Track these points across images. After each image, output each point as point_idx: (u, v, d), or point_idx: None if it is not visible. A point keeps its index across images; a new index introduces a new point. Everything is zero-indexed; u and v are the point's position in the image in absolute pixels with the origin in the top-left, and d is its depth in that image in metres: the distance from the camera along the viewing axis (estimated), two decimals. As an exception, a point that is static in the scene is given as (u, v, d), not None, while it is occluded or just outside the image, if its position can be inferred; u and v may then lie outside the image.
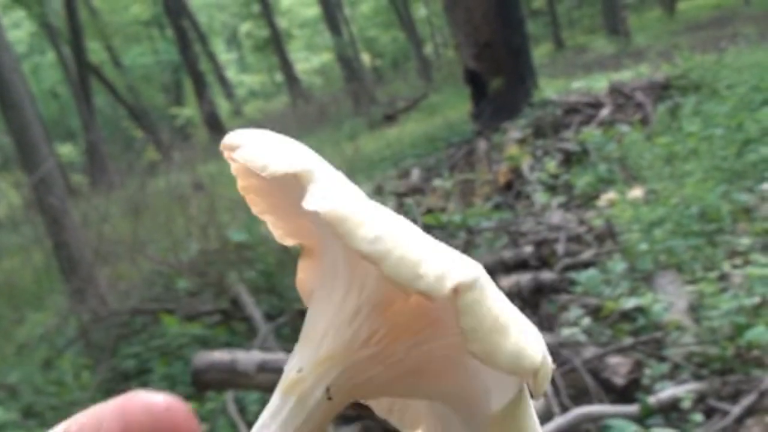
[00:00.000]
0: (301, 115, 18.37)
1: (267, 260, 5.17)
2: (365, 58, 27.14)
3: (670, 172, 5.68)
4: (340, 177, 0.38)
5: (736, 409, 2.79)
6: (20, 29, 23.87)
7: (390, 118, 14.79)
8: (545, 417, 2.95)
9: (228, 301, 4.83)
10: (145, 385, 4.20)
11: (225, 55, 32.23)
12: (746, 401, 2.81)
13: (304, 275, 0.46)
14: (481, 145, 8.30)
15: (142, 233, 6.55)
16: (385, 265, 0.32)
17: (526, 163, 7.11)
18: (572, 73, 12.91)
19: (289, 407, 0.36)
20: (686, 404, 2.86)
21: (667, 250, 4.21)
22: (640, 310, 3.65)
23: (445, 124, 11.08)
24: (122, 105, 23.01)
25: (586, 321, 3.70)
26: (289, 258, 5.00)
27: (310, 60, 29.80)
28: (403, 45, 28.35)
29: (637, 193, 5.47)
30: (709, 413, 2.90)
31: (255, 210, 0.45)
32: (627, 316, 3.69)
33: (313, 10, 28.20)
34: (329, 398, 0.36)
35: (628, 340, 3.39)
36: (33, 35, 24.01)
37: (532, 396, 0.36)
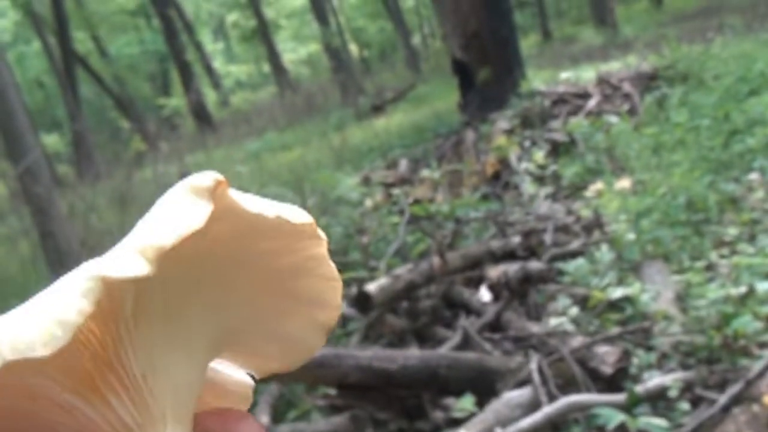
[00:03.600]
0: (289, 106, 18.32)
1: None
2: (353, 48, 27.08)
3: (658, 163, 5.70)
4: None
5: (722, 398, 2.80)
6: (5, 18, 23.69)
7: (378, 109, 14.76)
8: (533, 406, 2.96)
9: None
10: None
11: (212, 45, 32.08)
12: (733, 390, 2.82)
13: None
14: (469, 135, 8.30)
15: (129, 223, 6.52)
16: None
17: (513, 154, 7.12)
18: (560, 64, 12.92)
19: None
20: (673, 393, 2.88)
21: (654, 240, 4.22)
22: (628, 299, 3.66)
23: (432, 115, 11.08)
24: (108, 95, 22.89)
25: (574, 311, 3.71)
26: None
27: (298, 50, 29.71)
28: (391, 35, 28.29)
29: (624, 183, 5.48)
30: (696, 402, 2.92)
31: None
32: (615, 305, 3.70)
33: (301, 1, 28.10)
34: None
35: (615, 330, 3.41)
36: (18, 24, 23.82)
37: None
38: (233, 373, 0.45)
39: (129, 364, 0.37)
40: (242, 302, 0.42)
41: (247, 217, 0.37)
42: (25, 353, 0.29)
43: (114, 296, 0.34)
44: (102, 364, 0.36)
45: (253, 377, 0.46)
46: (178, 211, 0.35)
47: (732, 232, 4.23)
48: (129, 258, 0.33)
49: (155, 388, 0.37)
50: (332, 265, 0.42)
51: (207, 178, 0.35)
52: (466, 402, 3.09)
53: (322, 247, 0.41)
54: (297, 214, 0.38)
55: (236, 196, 0.37)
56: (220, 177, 0.35)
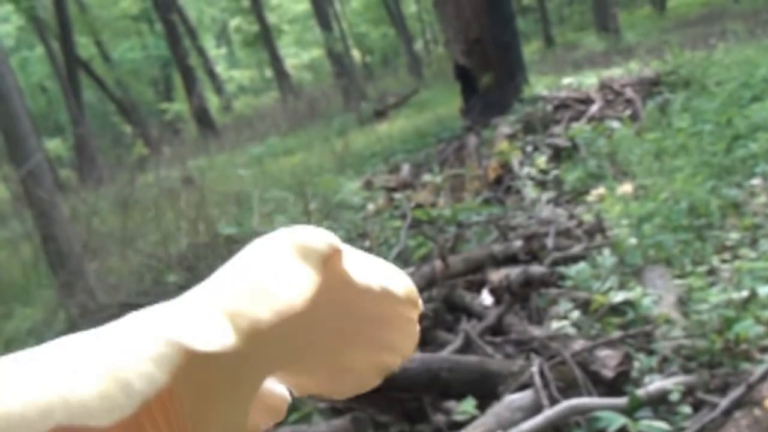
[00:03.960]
0: (291, 111, 18.33)
1: (257, 254, 5.15)
2: (355, 53, 27.10)
3: (660, 168, 5.70)
4: None
5: (724, 402, 2.80)
6: (8, 23, 23.74)
7: (380, 114, 14.77)
8: (534, 409, 2.96)
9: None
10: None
11: (214, 50, 32.11)
12: (734, 394, 2.82)
13: None
14: (471, 140, 8.31)
15: (132, 227, 6.53)
16: None
17: (515, 159, 7.12)
18: (562, 69, 12.92)
19: None
20: (675, 397, 2.87)
21: (656, 244, 4.22)
22: (630, 303, 3.65)
23: (435, 120, 11.08)
24: (111, 100, 22.93)
25: (576, 314, 3.71)
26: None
27: (300, 55, 29.74)
28: (394, 41, 28.33)
29: (626, 188, 5.48)
30: (698, 406, 2.91)
31: None
32: (616, 309, 3.70)
33: (303, 6, 28.14)
34: None
35: (617, 334, 3.40)
36: (21, 29, 23.87)
37: None
38: (272, 385, 0.44)
39: (181, 416, 0.33)
40: (317, 342, 0.40)
41: (353, 289, 0.33)
42: (82, 419, 0.24)
43: (189, 364, 0.28)
44: (157, 412, 0.33)
45: (290, 392, 0.45)
46: (281, 278, 0.29)
47: (734, 236, 4.23)
48: (215, 325, 0.27)
49: None
50: (417, 326, 0.41)
51: (321, 241, 0.31)
52: (467, 405, 3.08)
53: (415, 313, 0.40)
54: (402, 285, 0.36)
55: (348, 265, 0.32)
56: (336, 243, 0.31)
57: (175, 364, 0.26)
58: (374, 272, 0.34)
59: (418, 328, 0.42)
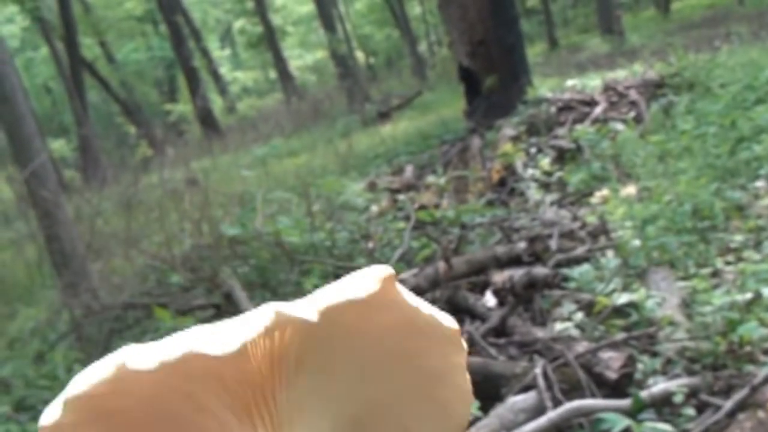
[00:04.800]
0: (295, 113, 18.33)
1: (260, 255, 5.16)
2: (359, 55, 27.12)
3: (664, 170, 5.69)
4: None
5: (728, 404, 2.80)
6: (13, 24, 23.77)
7: (384, 116, 14.77)
8: (538, 411, 2.96)
9: (221, 295, 4.82)
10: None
11: (219, 52, 32.13)
12: (738, 396, 2.81)
13: None
14: (475, 142, 8.31)
15: (135, 228, 6.54)
16: None
17: (519, 161, 7.12)
18: (566, 72, 12.92)
19: None
20: (678, 399, 2.87)
21: (660, 246, 4.22)
22: (633, 305, 3.65)
23: (439, 122, 11.08)
24: (115, 101, 22.95)
25: (579, 316, 3.70)
26: (282, 253, 4.99)
27: (304, 57, 29.74)
28: (398, 43, 28.34)
29: (630, 190, 5.48)
30: (701, 408, 2.91)
31: None
32: (620, 311, 3.69)
33: (308, 7, 28.15)
34: None
35: (620, 335, 3.40)
36: (26, 30, 23.91)
37: None
38: None
39: (281, 406, 0.43)
40: (383, 391, 0.47)
41: (406, 310, 0.42)
42: (204, 349, 0.36)
43: (284, 338, 0.42)
44: (260, 397, 0.42)
45: None
46: (350, 284, 0.41)
47: (738, 239, 4.22)
48: (303, 306, 0.39)
49: None
50: (468, 376, 0.47)
51: (382, 269, 0.42)
52: (471, 406, 3.08)
53: (462, 357, 0.46)
54: (447, 320, 0.43)
55: (401, 288, 0.42)
56: (391, 271, 0.42)
57: (271, 323, 0.37)
58: (424, 303, 0.43)
59: (469, 384, 0.47)
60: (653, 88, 8.42)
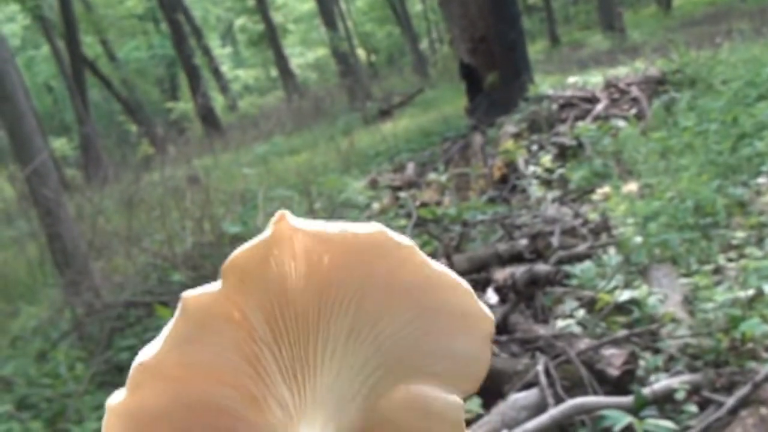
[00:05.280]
0: (296, 110, 18.33)
1: (262, 253, 5.14)
2: (360, 53, 27.11)
3: (665, 167, 5.68)
4: None
5: (730, 401, 2.79)
6: (14, 23, 23.78)
7: (385, 113, 14.77)
8: (540, 408, 2.95)
9: (223, 293, 4.81)
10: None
11: (220, 50, 32.13)
12: (740, 393, 2.81)
13: None
14: (477, 139, 8.30)
15: (137, 226, 6.54)
16: None
17: (521, 158, 7.12)
18: (568, 69, 12.90)
19: None
20: (680, 396, 2.87)
21: (661, 243, 4.21)
22: (635, 302, 3.65)
23: (440, 119, 11.08)
24: (117, 99, 22.96)
25: (581, 313, 3.70)
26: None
27: (306, 55, 29.76)
28: (399, 40, 28.35)
29: (632, 187, 5.47)
30: (704, 405, 2.90)
31: None
32: (622, 308, 3.69)
33: (309, 5, 28.15)
34: None
35: (622, 332, 3.40)
36: (27, 29, 23.93)
37: None
38: (440, 395, 0.49)
39: (311, 355, 0.44)
40: (412, 339, 0.47)
41: (428, 270, 0.44)
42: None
43: (313, 262, 0.45)
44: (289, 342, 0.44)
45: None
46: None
47: (740, 235, 4.21)
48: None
49: (320, 389, 0.44)
50: (488, 323, 0.48)
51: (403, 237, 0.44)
52: (473, 404, 3.08)
53: (476, 302, 0.47)
54: (469, 286, 0.46)
55: (424, 257, 0.44)
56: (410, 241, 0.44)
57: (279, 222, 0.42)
58: (445, 269, 0.45)
59: (492, 332, 0.49)
60: (655, 85, 8.42)
